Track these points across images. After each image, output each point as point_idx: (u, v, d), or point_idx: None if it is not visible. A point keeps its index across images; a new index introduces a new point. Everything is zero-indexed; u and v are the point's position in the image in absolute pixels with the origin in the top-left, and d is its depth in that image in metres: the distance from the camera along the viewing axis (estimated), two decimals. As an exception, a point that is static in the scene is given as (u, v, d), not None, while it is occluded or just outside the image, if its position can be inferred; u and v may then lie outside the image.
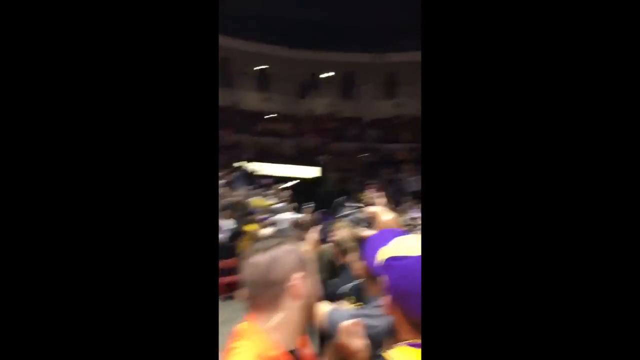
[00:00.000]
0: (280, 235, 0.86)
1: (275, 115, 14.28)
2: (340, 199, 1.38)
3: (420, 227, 2.73)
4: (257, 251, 0.81)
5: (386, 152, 13.23)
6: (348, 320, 1.17)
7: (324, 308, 1.30)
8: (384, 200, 2.34)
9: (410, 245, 0.81)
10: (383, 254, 0.84)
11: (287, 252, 0.81)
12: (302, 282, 0.80)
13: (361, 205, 1.37)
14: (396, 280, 0.78)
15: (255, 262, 0.80)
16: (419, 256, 0.77)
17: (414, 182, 10.83)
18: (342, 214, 1.35)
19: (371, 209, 1.34)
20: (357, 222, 1.33)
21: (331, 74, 14.12)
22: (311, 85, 14.30)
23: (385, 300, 0.82)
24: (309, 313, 0.83)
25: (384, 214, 1.30)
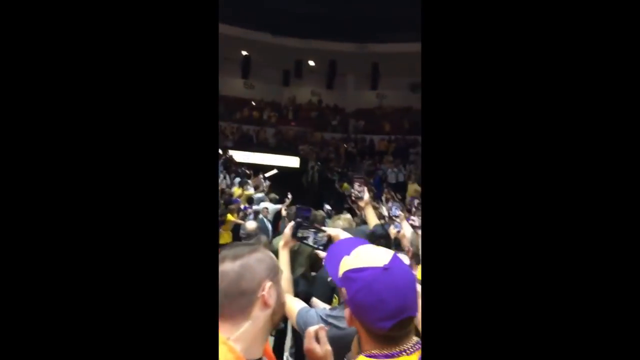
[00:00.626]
0: (250, 242, 0.84)
1: (256, 102, 14.10)
2: (300, 220, 1.34)
3: (398, 223, 2.74)
4: (227, 259, 0.78)
5: (367, 143, 13.27)
6: (317, 322, 1.16)
7: (297, 306, 1.29)
8: (367, 195, 2.33)
9: (369, 257, 0.79)
10: (344, 265, 0.82)
11: (257, 261, 0.79)
12: (271, 292, 0.78)
13: (322, 229, 1.33)
14: (355, 293, 0.77)
15: (225, 270, 0.76)
16: (377, 267, 0.76)
17: (393, 174, 10.92)
18: (301, 236, 1.32)
19: (331, 231, 1.31)
20: (317, 245, 1.30)
21: (311, 63, 13.98)
22: (294, 74, 14.14)
23: (346, 312, 0.81)
24: (275, 321, 0.82)
25: (344, 234, 1.28)
